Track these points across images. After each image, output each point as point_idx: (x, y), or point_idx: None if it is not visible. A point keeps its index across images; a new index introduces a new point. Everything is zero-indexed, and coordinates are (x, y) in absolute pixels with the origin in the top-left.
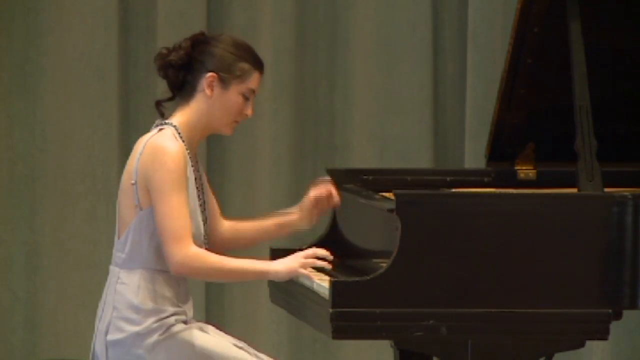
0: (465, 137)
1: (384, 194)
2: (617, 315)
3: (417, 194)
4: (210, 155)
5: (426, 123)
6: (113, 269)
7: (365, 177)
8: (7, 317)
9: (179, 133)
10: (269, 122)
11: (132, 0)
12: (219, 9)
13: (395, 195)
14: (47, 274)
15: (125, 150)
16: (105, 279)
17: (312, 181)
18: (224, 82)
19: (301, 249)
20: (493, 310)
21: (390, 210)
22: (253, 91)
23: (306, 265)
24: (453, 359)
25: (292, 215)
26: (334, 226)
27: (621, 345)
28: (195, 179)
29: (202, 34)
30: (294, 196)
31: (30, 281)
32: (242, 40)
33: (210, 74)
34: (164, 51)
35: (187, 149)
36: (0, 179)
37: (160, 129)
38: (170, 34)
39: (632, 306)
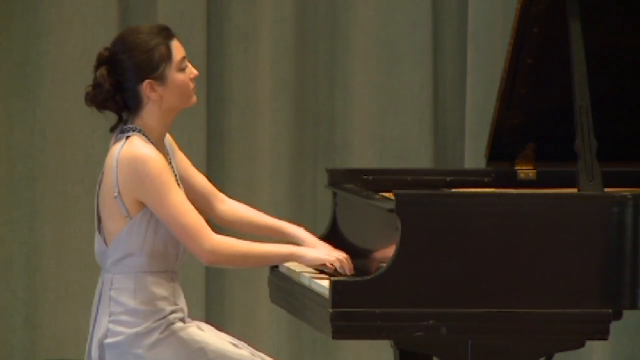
0: (465, 137)
1: (384, 194)
2: (617, 315)
3: (417, 194)
4: (210, 155)
5: (426, 123)
6: (105, 275)
7: (365, 177)
8: (7, 317)
9: (146, 135)
10: (269, 122)
11: (132, 0)
12: (219, 9)
13: (395, 195)
14: (47, 274)
15: None
16: None
17: (312, 182)
18: (160, 79)
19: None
20: (493, 310)
21: (390, 210)
22: (183, 57)
23: (335, 263)
24: (453, 359)
25: (299, 238)
26: (334, 226)
27: (621, 345)
28: (176, 176)
29: (106, 50)
30: (294, 196)
31: (30, 281)
32: (140, 28)
33: (144, 83)
34: (90, 91)
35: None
36: (0, 179)
37: (128, 137)
38: None
39: (632, 306)
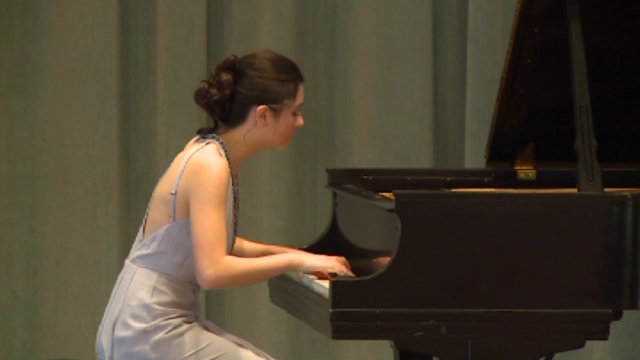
0: (465, 137)
1: (384, 194)
2: (617, 315)
3: (417, 194)
4: None
5: (426, 123)
6: (130, 265)
7: (365, 177)
8: (7, 317)
9: (225, 149)
10: None
11: (132, 0)
12: (219, 9)
13: (395, 195)
14: (47, 274)
15: (125, 151)
16: (105, 279)
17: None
18: (275, 111)
19: (301, 249)
20: (493, 310)
21: (390, 210)
22: (301, 104)
23: (334, 270)
24: (453, 359)
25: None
26: (334, 226)
27: (621, 345)
28: (235, 198)
29: (235, 59)
30: (294, 196)
31: (30, 281)
32: (277, 56)
33: (260, 107)
34: (205, 87)
35: (230, 166)
36: (0, 179)
37: (207, 143)
38: (170, 34)
39: (632, 306)
